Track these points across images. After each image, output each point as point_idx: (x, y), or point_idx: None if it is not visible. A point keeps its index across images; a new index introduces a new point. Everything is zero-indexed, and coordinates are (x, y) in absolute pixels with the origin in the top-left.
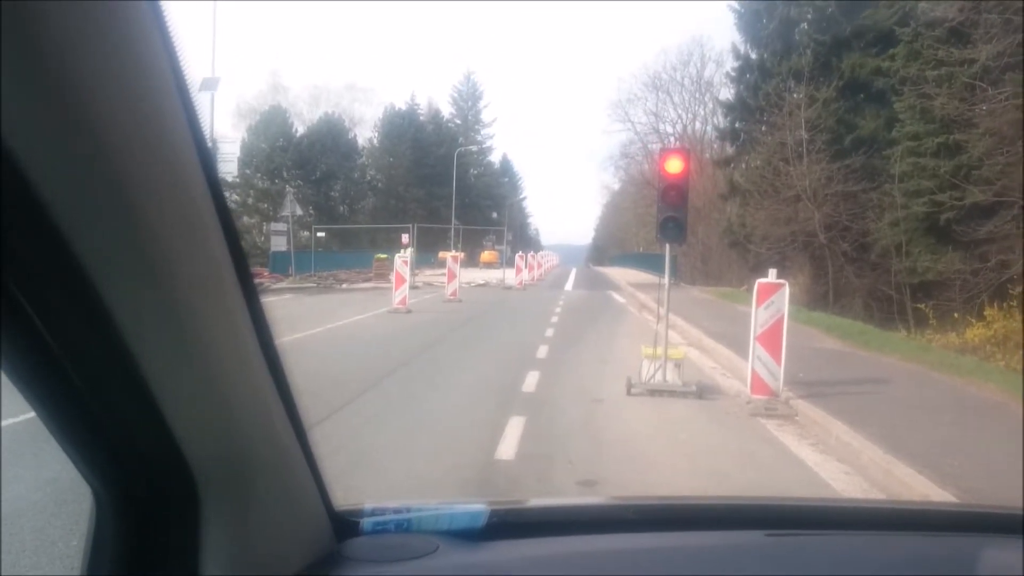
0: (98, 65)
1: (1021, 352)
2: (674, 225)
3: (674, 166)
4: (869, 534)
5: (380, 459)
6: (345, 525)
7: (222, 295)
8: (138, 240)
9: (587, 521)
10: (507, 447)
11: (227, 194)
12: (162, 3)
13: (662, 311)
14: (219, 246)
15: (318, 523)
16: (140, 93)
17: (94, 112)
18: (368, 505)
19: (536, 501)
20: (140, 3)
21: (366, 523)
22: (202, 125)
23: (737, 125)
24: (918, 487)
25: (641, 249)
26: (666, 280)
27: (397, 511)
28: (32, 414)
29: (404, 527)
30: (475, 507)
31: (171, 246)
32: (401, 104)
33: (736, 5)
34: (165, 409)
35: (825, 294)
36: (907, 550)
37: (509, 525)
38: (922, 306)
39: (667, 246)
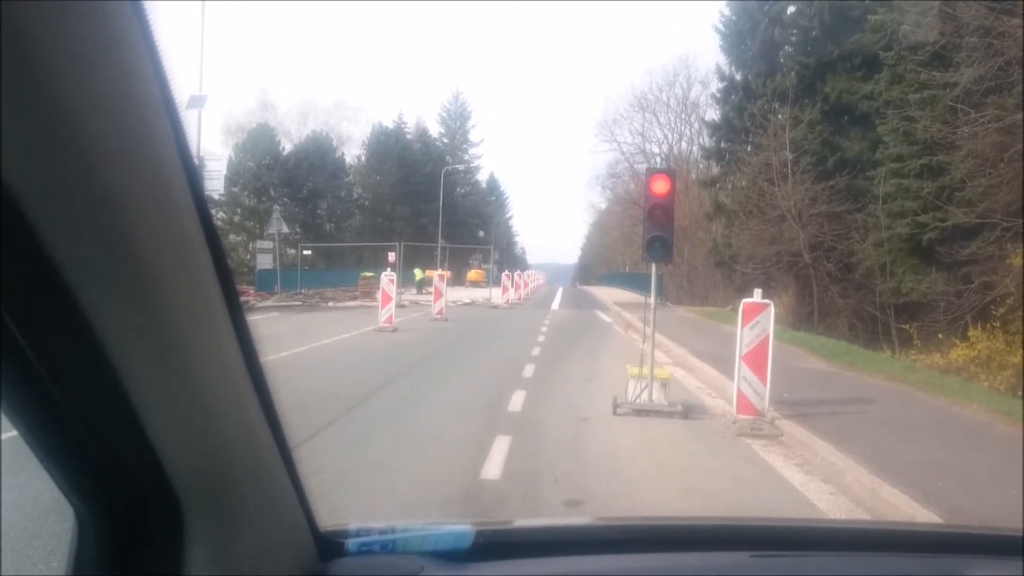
0: (85, 82)
1: (1006, 372)
2: (660, 245)
3: (660, 186)
4: (854, 555)
5: (365, 478)
6: (330, 545)
7: (207, 313)
8: (123, 257)
9: (573, 542)
10: (493, 466)
11: (214, 212)
12: (150, 19)
13: (648, 331)
14: (205, 263)
15: (303, 543)
16: (127, 110)
17: (81, 129)
18: (353, 525)
19: (522, 522)
20: (127, 17)
21: (351, 544)
22: (189, 142)
23: (722, 145)
24: (903, 507)
25: (627, 268)
26: (652, 300)
27: (382, 532)
28: (13, 432)
29: (389, 548)
30: (461, 528)
31: (156, 263)
32: (389, 123)
33: (721, 27)
34: (148, 426)
35: (810, 314)
36: (892, 571)
37: (495, 546)
38: (906, 326)
39: (653, 266)
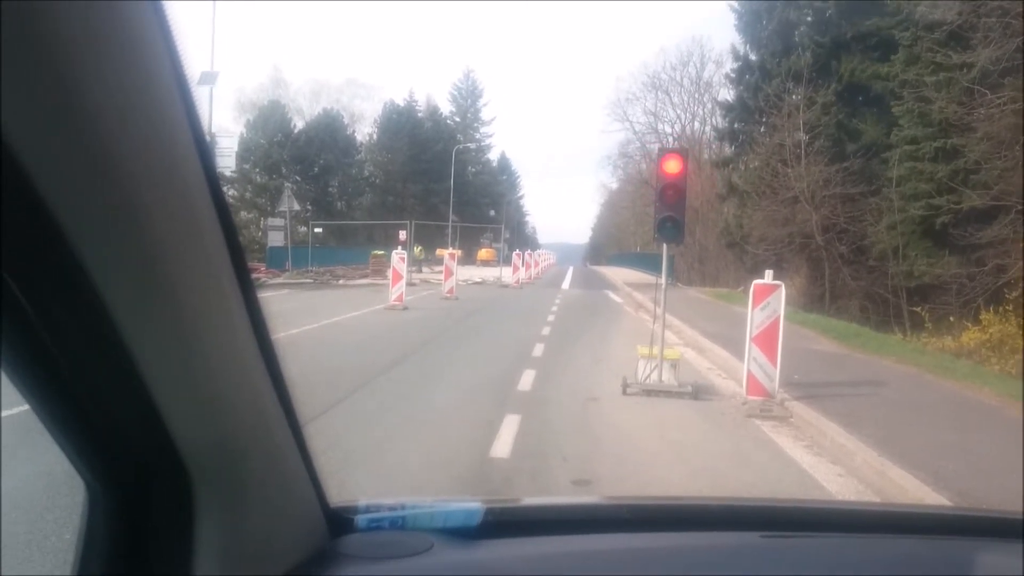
0: (96, 57)
1: (1018, 356)
2: (672, 225)
3: (672, 166)
4: (864, 537)
5: (374, 456)
6: (340, 521)
7: (218, 289)
8: (134, 233)
9: (581, 521)
10: (502, 445)
11: (225, 189)
12: None
13: (658, 311)
14: (216, 240)
15: (312, 519)
16: (138, 86)
17: (91, 105)
18: (363, 502)
19: (531, 500)
20: None
21: (361, 520)
22: (201, 119)
23: (736, 126)
24: (912, 490)
25: (638, 249)
26: (663, 280)
27: (392, 508)
28: (26, 406)
29: (399, 524)
30: (470, 505)
31: (168, 240)
32: (400, 101)
33: (736, 5)
34: (159, 402)
35: (822, 296)
36: (901, 553)
37: (504, 524)
38: (918, 309)
39: (664, 246)
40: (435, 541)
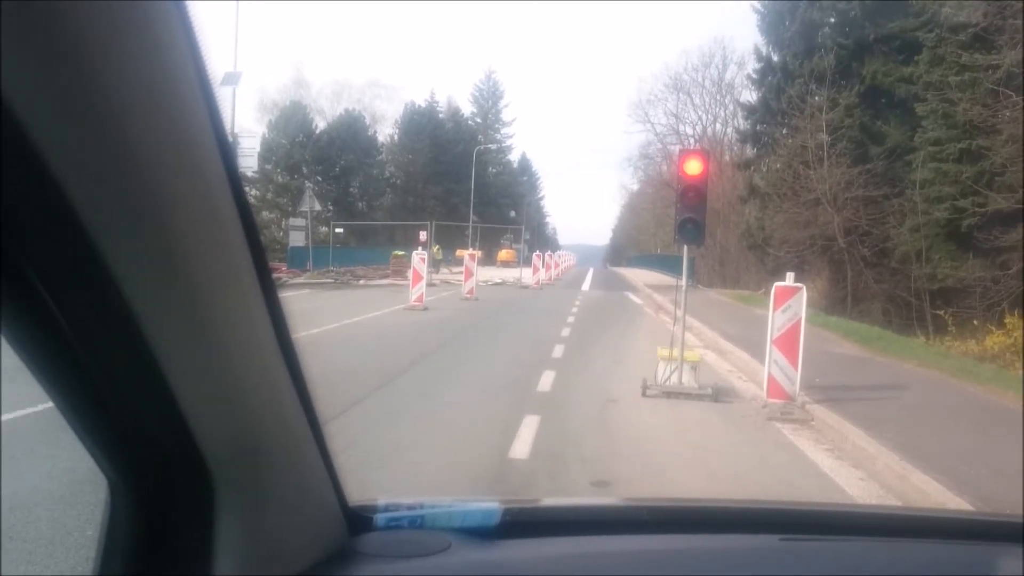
0: (119, 57)
1: None
2: (692, 227)
3: (693, 167)
4: (884, 541)
5: (394, 456)
6: (359, 520)
7: (240, 288)
8: (157, 231)
9: (600, 522)
10: (521, 445)
11: (247, 189)
12: None
13: (679, 313)
14: (238, 239)
15: (332, 517)
16: (162, 86)
17: (115, 104)
18: (382, 501)
19: (549, 501)
20: None
21: (379, 519)
22: (223, 119)
23: (758, 127)
24: (934, 494)
25: (659, 250)
26: (683, 282)
27: (411, 507)
28: (49, 404)
29: (417, 524)
30: (488, 505)
31: (190, 239)
32: (421, 102)
33: (759, 6)
34: (179, 398)
35: (843, 299)
36: (922, 557)
37: (522, 524)
38: (941, 312)
39: (685, 248)
40: (453, 541)
